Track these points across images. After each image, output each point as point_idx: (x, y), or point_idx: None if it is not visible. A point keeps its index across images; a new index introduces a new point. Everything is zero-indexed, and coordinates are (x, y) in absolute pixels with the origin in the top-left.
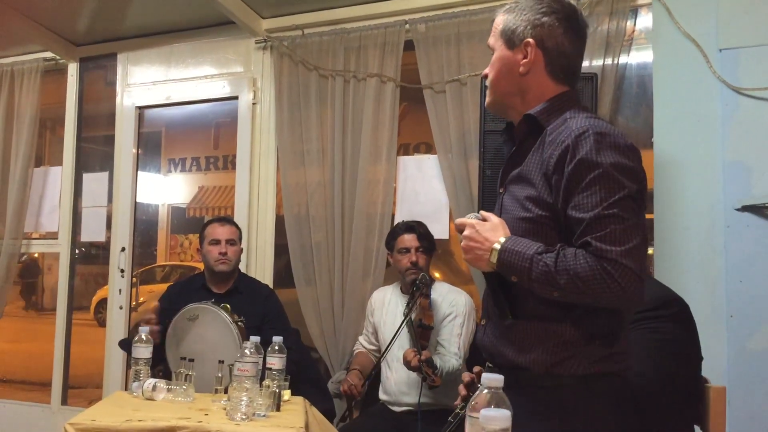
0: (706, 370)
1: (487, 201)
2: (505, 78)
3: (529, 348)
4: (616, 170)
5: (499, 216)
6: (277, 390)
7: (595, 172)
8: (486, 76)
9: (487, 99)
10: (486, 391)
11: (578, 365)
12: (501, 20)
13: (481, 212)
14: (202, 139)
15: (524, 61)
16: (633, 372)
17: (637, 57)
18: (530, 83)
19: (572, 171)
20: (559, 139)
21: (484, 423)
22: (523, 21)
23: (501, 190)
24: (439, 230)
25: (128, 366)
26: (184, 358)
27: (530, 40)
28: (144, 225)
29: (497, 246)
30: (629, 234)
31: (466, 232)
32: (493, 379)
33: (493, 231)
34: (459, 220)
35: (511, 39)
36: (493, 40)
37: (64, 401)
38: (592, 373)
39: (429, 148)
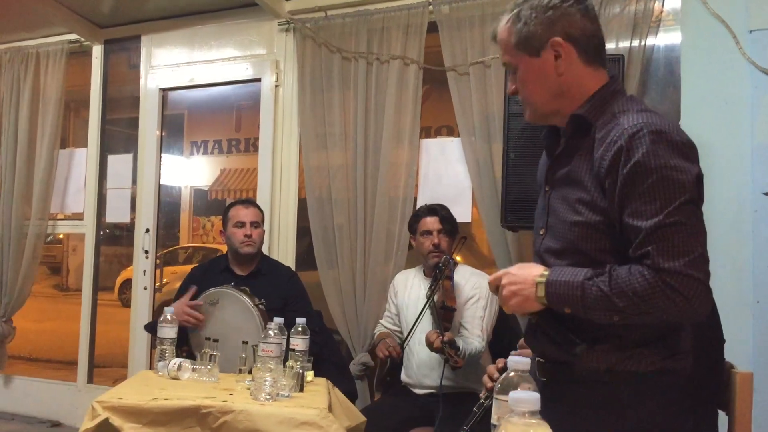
0: (732, 356)
1: (511, 184)
2: (543, 86)
3: (588, 351)
4: (675, 173)
5: (547, 216)
6: (301, 371)
7: (653, 176)
8: (515, 93)
9: (527, 115)
10: (513, 374)
11: (639, 363)
12: (507, 34)
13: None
14: (224, 122)
15: (558, 60)
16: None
17: (664, 38)
18: (570, 80)
19: (628, 175)
20: (611, 138)
21: (513, 405)
22: (537, 24)
23: (546, 189)
24: (462, 213)
25: (152, 346)
26: (209, 339)
27: (557, 38)
28: (167, 207)
29: (541, 279)
30: (693, 242)
31: (503, 280)
32: (519, 363)
33: (527, 268)
34: (491, 277)
35: (532, 46)
36: (510, 57)
37: (90, 380)
38: (651, 371)
39: (450, 131)
